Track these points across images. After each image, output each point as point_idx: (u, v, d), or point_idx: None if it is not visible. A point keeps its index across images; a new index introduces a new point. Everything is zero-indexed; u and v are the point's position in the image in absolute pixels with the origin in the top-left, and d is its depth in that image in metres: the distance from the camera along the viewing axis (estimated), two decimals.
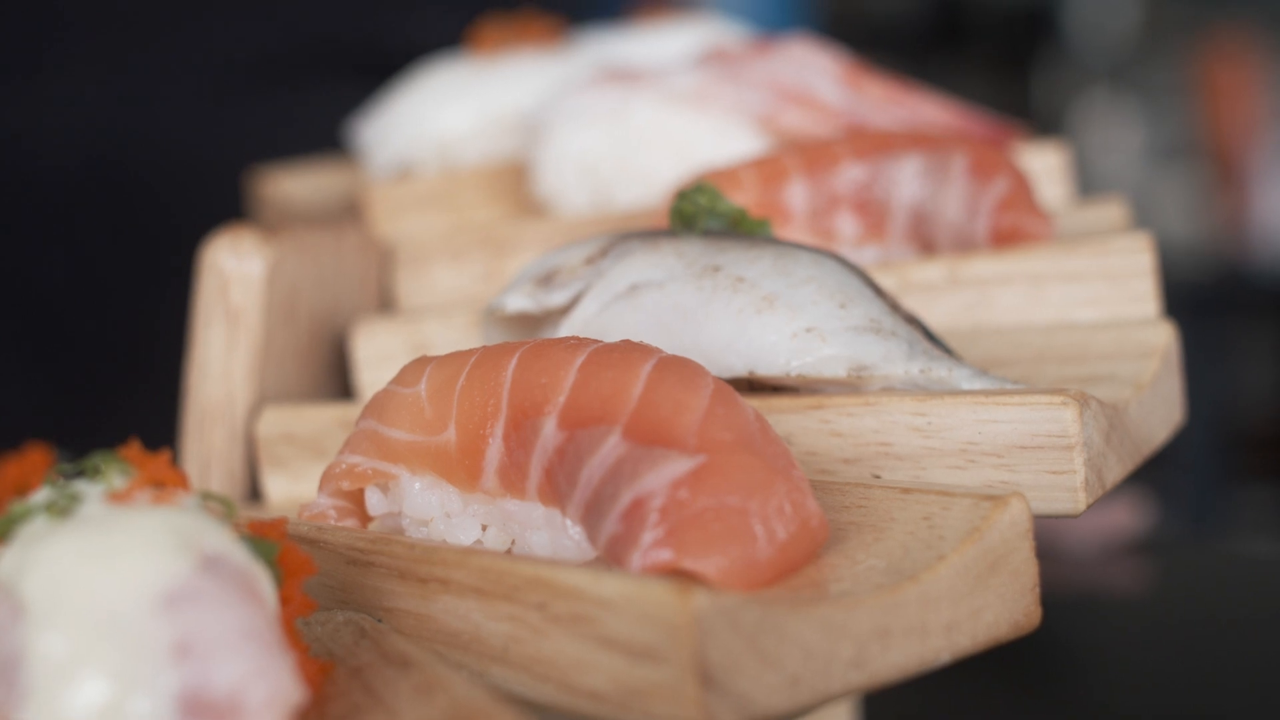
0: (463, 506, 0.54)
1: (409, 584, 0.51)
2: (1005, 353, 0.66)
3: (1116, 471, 0.57)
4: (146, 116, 1.24)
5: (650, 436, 0.48)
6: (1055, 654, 0.95)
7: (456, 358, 0.55)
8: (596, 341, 0.52)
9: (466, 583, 0.49)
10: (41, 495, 0.45)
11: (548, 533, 0.52)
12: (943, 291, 0.70)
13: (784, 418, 0.58)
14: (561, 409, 0.50)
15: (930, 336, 0.61)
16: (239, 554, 0.44)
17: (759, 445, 0.48)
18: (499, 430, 0.52)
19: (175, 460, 0.69)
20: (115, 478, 0.46)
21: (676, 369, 0.50)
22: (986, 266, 0.70)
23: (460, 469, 0.53)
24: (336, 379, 0.80)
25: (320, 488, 0.58)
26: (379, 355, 0.75)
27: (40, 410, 1.19)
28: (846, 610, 0.45)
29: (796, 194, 0.74)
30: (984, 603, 0.48)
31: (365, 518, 0.58)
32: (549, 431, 0.50)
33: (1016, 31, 3.25)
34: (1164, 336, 0.65)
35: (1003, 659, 0.56)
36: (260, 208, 1.10)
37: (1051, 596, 0.53)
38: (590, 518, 0.49)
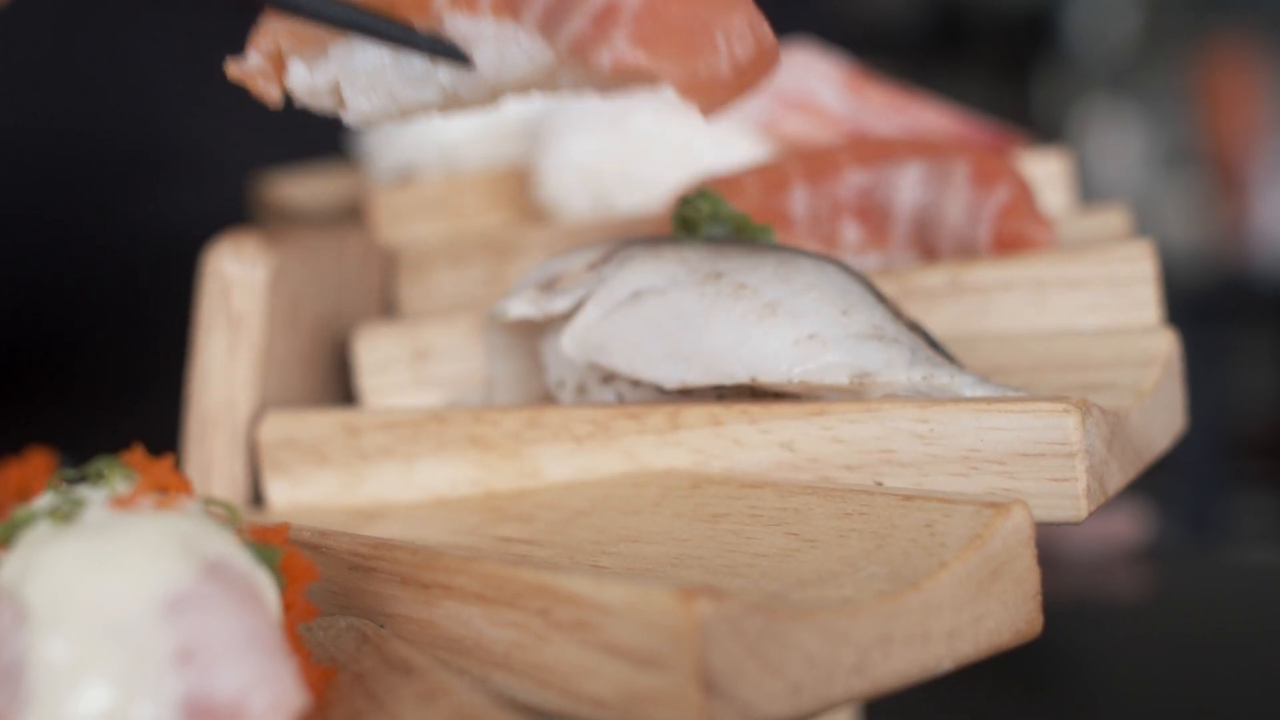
0: None
1: (411, 590, 0.51)
2: (1006, 360, 0.66)
3: (1118, 479, 0.57)
4: (148, 119, 1.24)
5: None
6: (1056, 660, 0.95)
7: None
8: None
9: (469, 589, 0.49)
10: (44, 500, 0.45)
11: (495, 46, 0.51)
12: (944, 298, 0.70)
13: (786, 424, 0.58)
14: None
15: (932, 343, 0.61)
16: (242, 560, 0.44)
17: None
18: None
19: (177, 466, 0.70)
20: (118, 483, 0.46)
21: None
22: (988, 273, 0.70)
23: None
24: (338, 384, 0.80)
25: (253, 44, 0.56)
26: (381, 361, 0.75)
27: (42, 414, 1.19)
28: (849, 617, 0.45)
29: (798, 200, 0.74)
30: (986, 610, 0.48)
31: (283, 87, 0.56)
32: None
33: (1016, 37, 3.25)
34: (1165, 344, 0.65)
35: (1004, 666, 0.56)
36: (262, 213, 1.10)
37: (1053, 603, 0.53)
38: (551, 23, 0.49)
